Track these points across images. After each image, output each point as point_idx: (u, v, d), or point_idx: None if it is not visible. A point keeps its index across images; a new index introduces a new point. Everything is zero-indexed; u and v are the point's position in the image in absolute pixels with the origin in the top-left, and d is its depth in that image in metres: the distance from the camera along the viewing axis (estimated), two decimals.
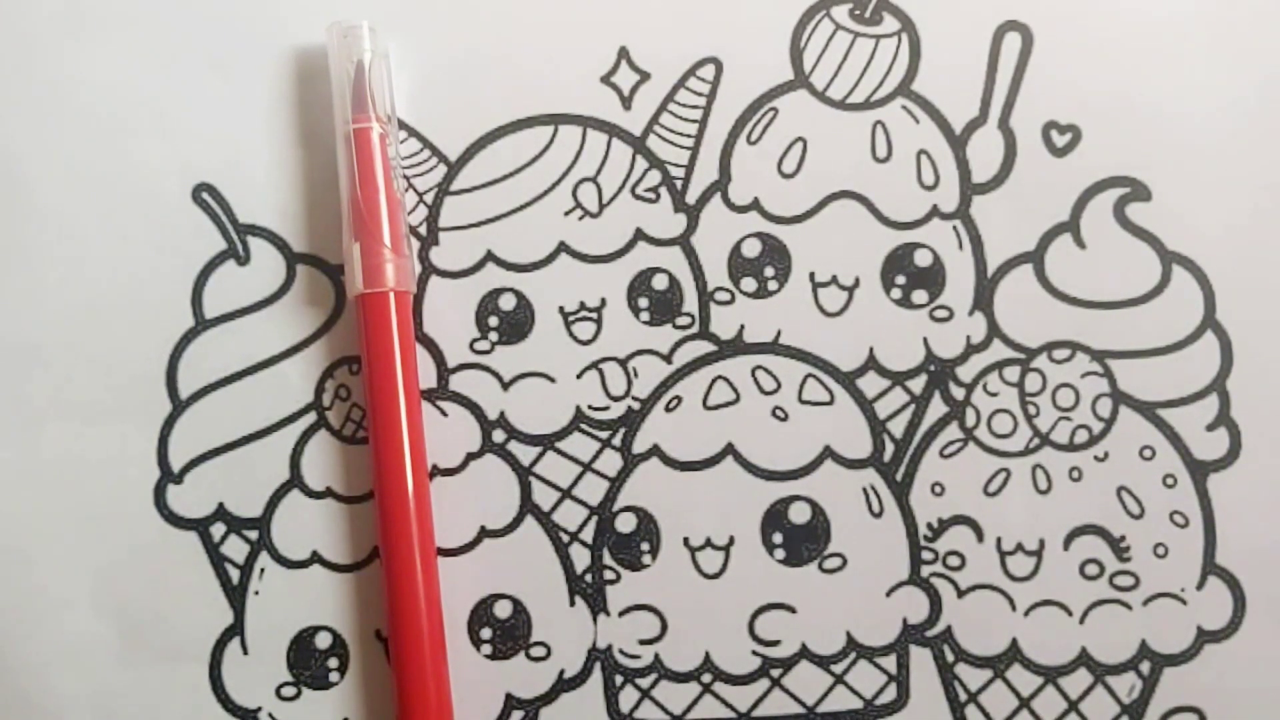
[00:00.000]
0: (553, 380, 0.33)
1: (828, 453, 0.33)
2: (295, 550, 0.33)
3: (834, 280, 0.33)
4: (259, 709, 0.33)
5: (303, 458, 0.33)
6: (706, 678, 0.33)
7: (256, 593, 0.33)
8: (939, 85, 0.33)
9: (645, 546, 0.33)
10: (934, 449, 0.33)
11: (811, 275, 0.33)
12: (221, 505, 0.33)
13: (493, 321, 0.33)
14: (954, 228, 0.33)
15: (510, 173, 0.33)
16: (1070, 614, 0.32)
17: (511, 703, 0.32)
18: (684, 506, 0.33)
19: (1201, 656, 0.32)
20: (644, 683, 0.32)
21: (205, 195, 0.33)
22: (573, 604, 0.33)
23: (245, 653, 0.33)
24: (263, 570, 0.33)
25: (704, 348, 0.33)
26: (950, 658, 0.32)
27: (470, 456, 0.33)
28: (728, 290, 0.33)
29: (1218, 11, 0.33)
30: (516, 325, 0.33)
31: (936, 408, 0.33)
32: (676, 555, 0.33)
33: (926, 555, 0.32)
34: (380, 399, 0.31)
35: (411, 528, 0.31)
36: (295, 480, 0.33)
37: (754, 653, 0.33)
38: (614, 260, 0.33)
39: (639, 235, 0.33)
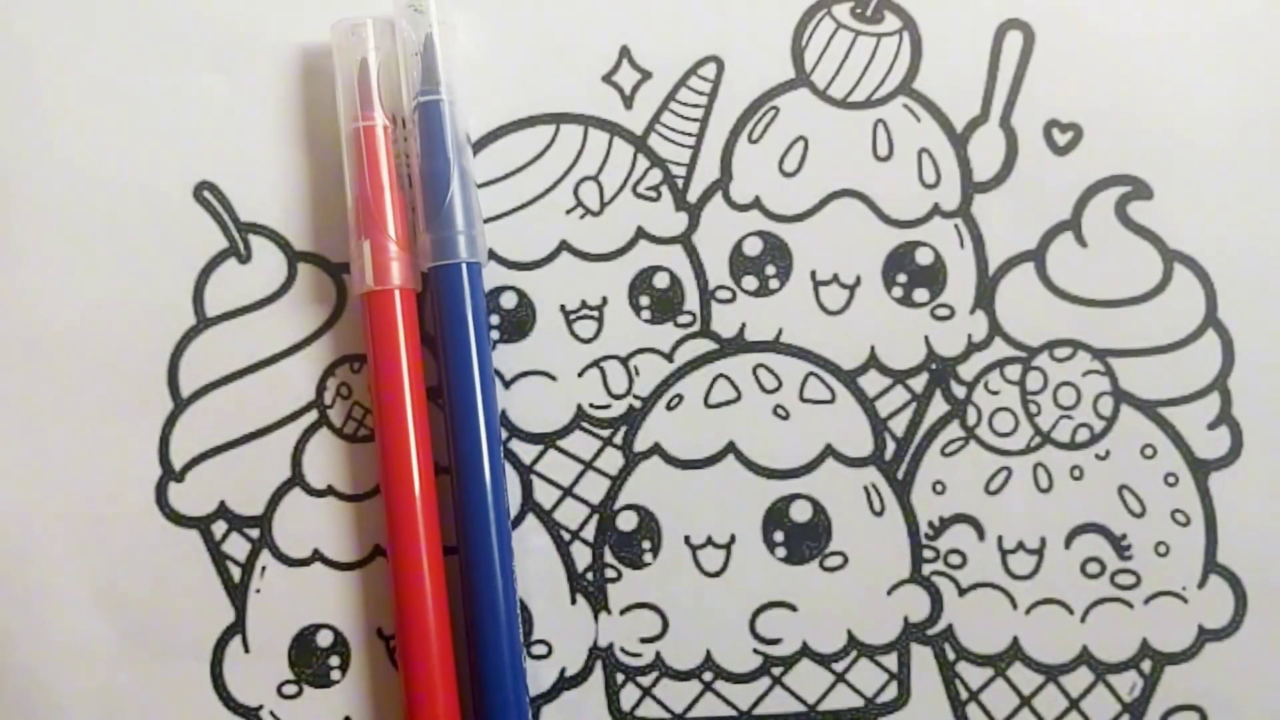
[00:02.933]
0: (554, 378, 0.33)
1: (829, 451, 0.33)
2: (296, 548, 0.33)
3: (835, 279, 0.33)
4: (260, 707, 0.33)
5: (304, 456, 0.33)
6: (708, 676, 0.33)
7: (258, 591, 0.33)
8: (940, 84, 0.33)
9: (646, 545, 0.33)
10: (935, 447, 0.33)
11: (813, 274, 0.33)
12: (223, 503, 0.33)
13: (494, 320, 0.33)
14: (955, 226, 0.33)
15: (512, 171, 0.33)
16: (1071, 612, 0.32)
17: None
18: (685, 505, 0.33)
19: (1203, 655, 0.32)
20: (645, 681, 0.33)
21: (206, 194, 0.33)
22: (574, 602, 0.33)
23: (247, 651, 0.33)
24: (264, 568, 0.33)
25: (705, 346, 0.33)
26: (951, 656, 0.32)
27: None
28: (729, 289, 0.33)
29: (1220, 10, 0.33)
30: (518, 323, 0.33)
31: (938, 406, 0.33)
32: (677, 553, 0.33)
33: (928, 553, 0.32)
34: (387, 397, 0.31)
35: (418, 525, 0.31)
36: (296, 478, 0.33)
37: (755, 651, 0.33)
38: (615, 259, 0.33)
39: (640, 234, 0.33)
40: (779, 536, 0.33)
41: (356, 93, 0.32)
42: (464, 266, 0.31)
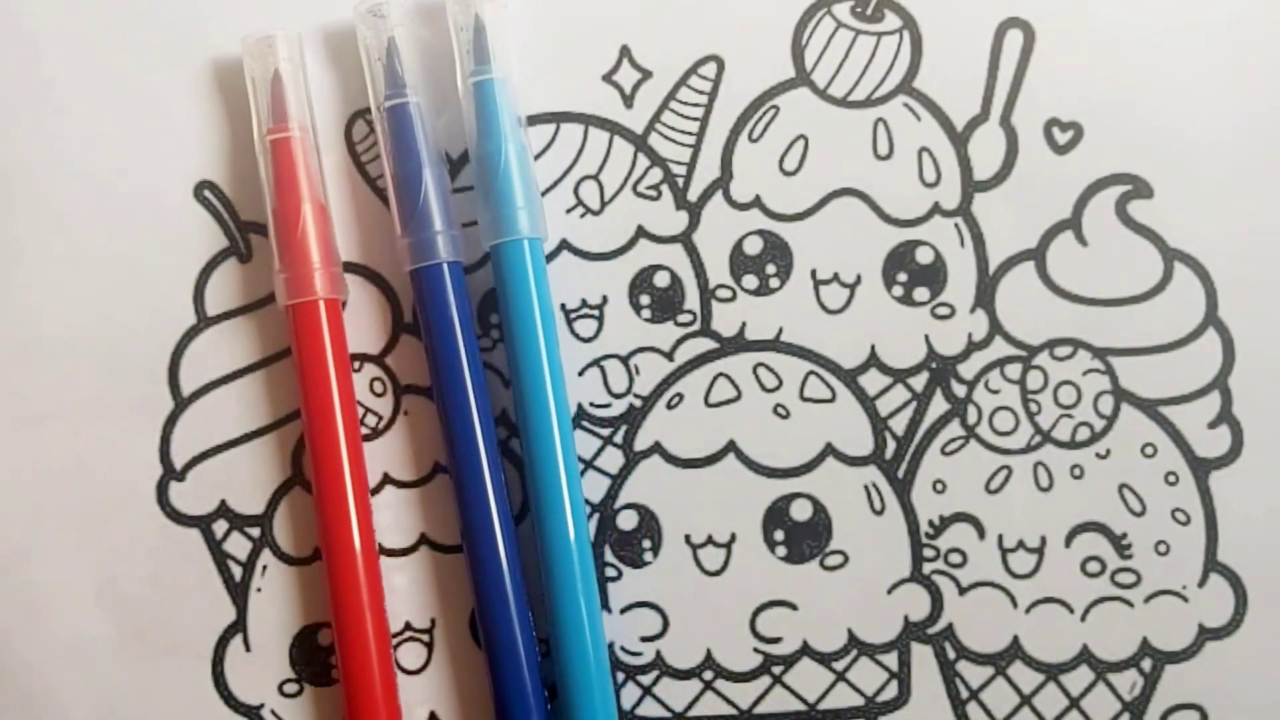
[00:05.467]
0: None
1: (829, 450, 0.33)
2: (297, 547, 0.33)
3: (835, 278, 0.33)
4: (261, 705, 0.33)
5: (304, 455, 0.33)
6: (708, 675, 0.33)
7: (259, 590, 0.33)
8: (940, 82, 0.33)
9: (647, 544, 0.33)
10: (935, 446, 0.33)
11: (813, 272, 0.33)
12: (223, 502, 0.33)
13: (495, 319, 0.33)
14: (955, 225, 0.33)
15: None
16: (1072, 611, 0.32)
17: None
18: (685, 503, 0.33)
19: (1203, 654, 0.32)
20: (645, 680, 0.33)
21: (207, 193, 0.33)
22: None
23: (248, 649, 0.33)
24: (265, 567, 0.33)
25: (705, 345, 0.33)
26: (952, 655, 0.32)
27: None
28: (729, 287, 0.33)
29: (1220, 9, 0.33)
30: None
31: (938, 405, 0.33)
32: (678, 552, 0.33)
33: (928, 552, 0.32)
34: (314, 405, 0.31)
35: (352, 529, 0.31)
36: (297, 477, 0.33)
37: (755, 650, 0.33)
38: (616, 258, 0.33)
39: (640, 233, 0.33)
40: (779, 535, 0.33)
41: (269, 105, 0.32)
42: (445, 266, 0.31)
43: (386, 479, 0.33)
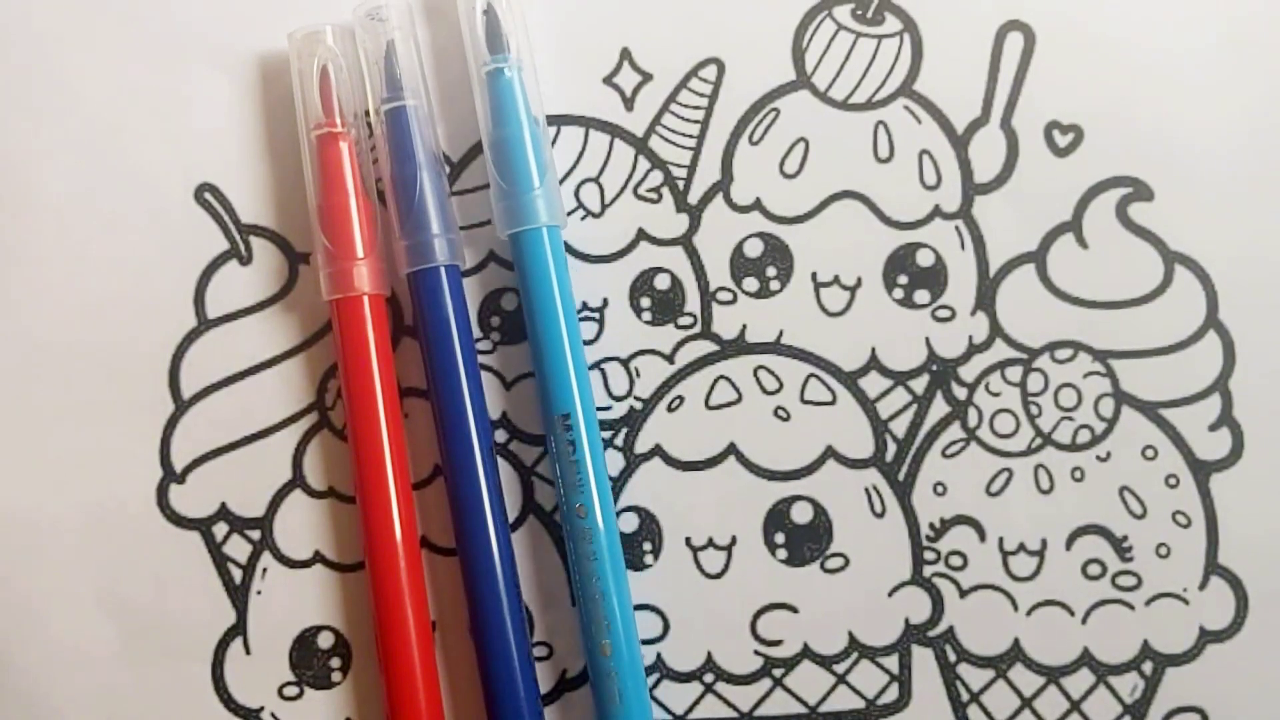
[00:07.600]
0: None
1: (830, 453, 0.33)
2: (297, 550, 0.33)
3: (836, 280, 0.33)
4: (261, 708, 0.33)
5: (305, 457, 0.33)
6: (708, 677, 0.33)
7: (259, 592, 0.33)
8: (941, 85, 0.33)
9: (647, 546, 0.33)
10: (936, 449, 0.33)
11: (813, 275, 0.33)
12: (224, 505, 0.33)
13: (495, 321, 0.33)
14: (956, 228, 0.33)
15: None
16: (1072, 614, 0.32)
17: None
18: (686, 506, 0.33)
19: (1204, 656, 0.32)
20: (646, 682, 0.32)
21: (207, 195, 0.33)
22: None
23: (248, 652, 0.33)
24: (265, 570, 0.33)
25: (706, 347, 0.33)
26: (952, 657, 0.32)
27: None
28: (730, 290, 0.33)
29: (1220, 11, 0.33)
30: (519, 325, 0.33)
31: (939, 408, 0.33)
32: (678, 555, 0.33)
33: (928, 555, 0.32)
34: (358, 401, 0.31)
35: (395, 529, 0.31)
36: (297, 480, 0.33)
37: (756, 652, 0.33)
38: (616, 260, 0.33)
39: (641, 235, 0.33)
40: (780, 538, 0.33)
41: (318, 97, 0.32)
42: (442, 270, 0.31)
43: None
